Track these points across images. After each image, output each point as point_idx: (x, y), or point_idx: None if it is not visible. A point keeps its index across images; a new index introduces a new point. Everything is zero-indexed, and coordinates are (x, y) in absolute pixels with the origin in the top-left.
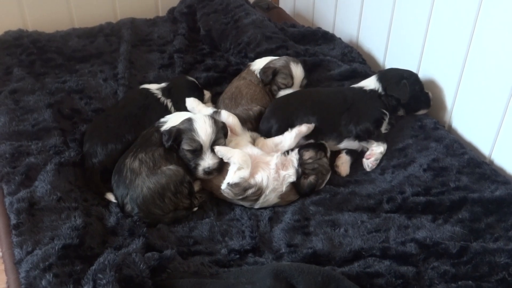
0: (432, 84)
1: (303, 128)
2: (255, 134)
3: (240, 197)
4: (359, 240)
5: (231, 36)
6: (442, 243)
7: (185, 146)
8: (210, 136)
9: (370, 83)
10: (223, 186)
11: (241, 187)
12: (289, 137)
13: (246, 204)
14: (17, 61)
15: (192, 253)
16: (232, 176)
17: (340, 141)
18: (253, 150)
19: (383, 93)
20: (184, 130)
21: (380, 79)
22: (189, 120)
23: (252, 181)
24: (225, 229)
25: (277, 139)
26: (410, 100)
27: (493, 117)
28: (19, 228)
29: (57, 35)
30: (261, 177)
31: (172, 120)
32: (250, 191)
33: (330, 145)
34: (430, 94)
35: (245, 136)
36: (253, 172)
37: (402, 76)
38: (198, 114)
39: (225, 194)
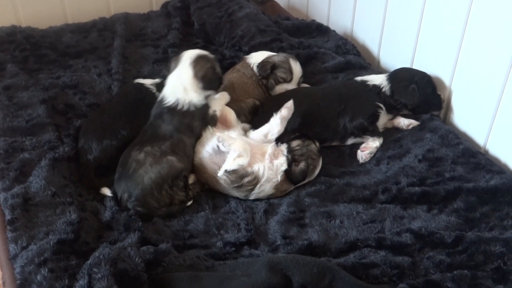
0: None
1: (284, 112)
2: (246, 126)
3: (236, 184)
4: (355, 231)
5: (225, 30)
6: (437, 233)
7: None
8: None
9: (377, 79)
10: (220, 172)
11: (238, 174)
12: (276, 123)
13: (241, 194)
14: (11, 57)
15: (187, 247)
16: (231, 163)
17: (344, 140)
18: (249, 141)
19: (388, 93)
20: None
21: (390, 79)
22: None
23: (249, 169)
24: (220, 222)
25: (264, 129)
26: (421, 104)
27: (487, 107)
28: (13, 223)
29: (51, 30)
30: (258, 167)
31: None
32: (246, 179)
33: (335, 144)
34: (442, 96)
35: (238, 129)
36: (250, 161)
37: (413, 79)
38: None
39: (221, 181)
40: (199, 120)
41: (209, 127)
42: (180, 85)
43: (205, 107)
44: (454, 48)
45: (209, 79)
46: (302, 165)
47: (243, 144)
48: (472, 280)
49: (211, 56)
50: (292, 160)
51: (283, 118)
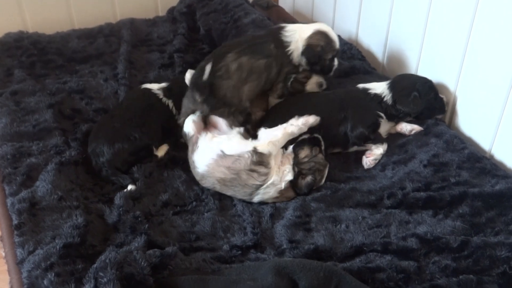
0: (432, 79)
1: (311, 119)
2: (241, 129)
3: (252, 167)
4: (360, 235)
5: (231, 36)
6: (443, 238)
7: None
8: None
9: (379, 87)
10: (249, 147)
11: (262, 160)
12: (295, 124)
13: (246, 192)
14: (18, 63)
15: (194, 249)
16: (265, 145)
17: (347, 148)
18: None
19: (390, 102)
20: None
21: (391, 88)
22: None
23: (271, 162)
24: (227, 225)
25: (278, 128)
26: (424, 110)
27: (492, 111)
28: (20, 228)
29: (57, 36)
30: (273, 164)
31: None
32: (262, 170)
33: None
34: (444, 98)
35: (233, 133)
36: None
37: (414, 87)
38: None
39: (241, 161)
40: (281, 68)
41: (203, 134)
42: (299, 33)
43: (294, 68)
44: (459, 53)
45: (309, 53)
46: (308, 178)
47: (280, 139)
48: (478, 285)
49: (335, 42)
50: (298, 173)
51: (304, 124)
